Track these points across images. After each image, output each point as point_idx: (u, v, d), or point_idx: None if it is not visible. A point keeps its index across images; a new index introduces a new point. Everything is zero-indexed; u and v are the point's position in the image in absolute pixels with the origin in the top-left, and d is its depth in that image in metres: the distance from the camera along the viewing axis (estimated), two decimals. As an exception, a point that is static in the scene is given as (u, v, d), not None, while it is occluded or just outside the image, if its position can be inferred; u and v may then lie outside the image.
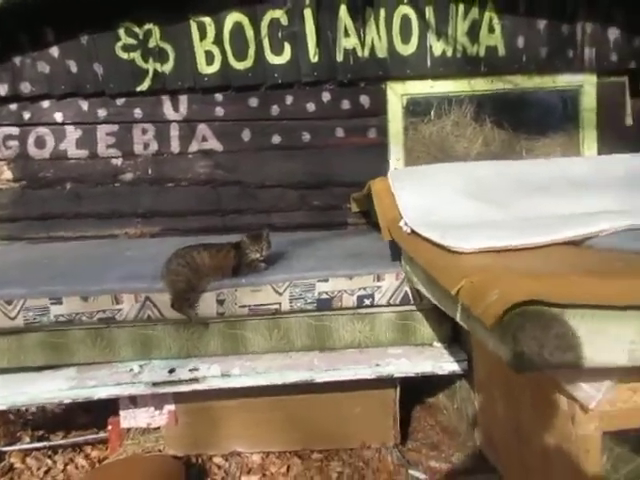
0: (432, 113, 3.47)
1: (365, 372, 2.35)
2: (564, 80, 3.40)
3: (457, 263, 1.51)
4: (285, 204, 3.41)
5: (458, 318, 1.50)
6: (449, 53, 3.32)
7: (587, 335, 1.16)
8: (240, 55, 3.22)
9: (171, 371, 2.29)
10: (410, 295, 2.40)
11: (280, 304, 2.36)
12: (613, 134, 3.41)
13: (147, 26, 3.12)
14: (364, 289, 2.40)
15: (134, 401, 2.37)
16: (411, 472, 2.38)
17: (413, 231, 1.96)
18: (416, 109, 3.46)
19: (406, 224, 2.04)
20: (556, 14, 3.30)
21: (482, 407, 2.26)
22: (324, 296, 2.38)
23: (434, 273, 1.61)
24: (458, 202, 1.99)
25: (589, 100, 3.44)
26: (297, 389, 2.40)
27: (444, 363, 2.39)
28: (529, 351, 1.16)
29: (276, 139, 3.37)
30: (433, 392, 2.86)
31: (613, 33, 3.37)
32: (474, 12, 3.30)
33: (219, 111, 3.31)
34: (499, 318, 1.14)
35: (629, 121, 3.49)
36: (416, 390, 2.74)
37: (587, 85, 3.41)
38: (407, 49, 3.30)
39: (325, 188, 3.40)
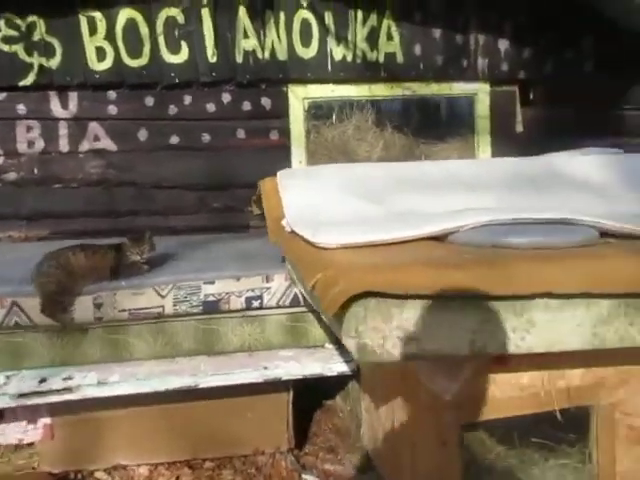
0: (334, 117, 3.50)
1: (252, 376, 2.29)
2: (460, 88, 3.52)
3: (320, 258, 1.49)
4: (183, 206, 3.31)
5: (322, 313, 1.48)
6: (349, 58, 3.35)
7: (429, 326, 1.17)
8: (134, 52, 3.11)
9: (42, 381, 2.13)
10: (300, 296, 2.37)
11: (163, 307, 2.27)
12: (505, 140, 3.57)
13: (30, 18, 2.95)
14: (252, 290, 2.36)
15: (1, 415, 2.19)
16: (304, 476, 2.35)
17: (292, 230, 1.94)
18: (318, 112, 3.48)
19: (288, 223, 2.02)
20: (449, 24, 3.43)
21: (367, 407, 2.26)
22: (210, 298, 2.31)
23: (301, 269, 1.58)
24: (338, 200, 1.99)
25: (483, 107, 3.59)
26: (186, 396, 2.31)
27: (333, 364, 2.38)
28: (372, 343, 1.15)
29: (174, 139, 3.27)
30: (332, 394, 2.86)
31: (503, 44, 3.53)
32: (373, 19, 3.36)
33: (112, 109, 3.17)
34: (339, 309, 1.12)
35: (519, 128, 3.67)
36: (317, 392, 2.72)
37: (481, 93, 3.55)
38: (307, 52, 3.31)
39: (226, 190, 3.34)
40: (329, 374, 2.37)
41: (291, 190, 2.16)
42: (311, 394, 2.65)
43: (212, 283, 2.31)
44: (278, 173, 2.42)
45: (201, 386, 2.25)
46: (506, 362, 1.48)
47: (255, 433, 2.44)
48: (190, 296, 2.29)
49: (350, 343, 1.19)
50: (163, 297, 2.27)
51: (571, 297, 1.22)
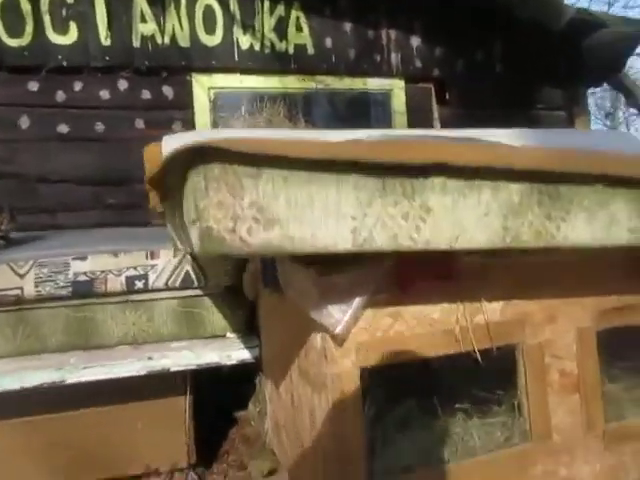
0: (243, 109, 3.28)
1: (134, 368, 1.91)
2: (375, 83, 3.42)
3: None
4: (74, 202, 2.94)
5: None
6: (257, 47, 3.19)
7: (296, 205, 0.91)
8: (14, 31, 2.80)
9: None
10: (193, 275, 2.05)
11: (22, 289, 1.88)
12: (423, 136, 3.46)
13: None
14: (134, 269, 2.01)
15: None
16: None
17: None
18: (225, 104, 3.25)
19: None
20: (360, 19, 3.35)
21: (271, 394, 1.93)
22: (82, 278, 1.94)
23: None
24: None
25: (399, 103, 3.49)
26: (62, 405, 1.90)
27: (233, 352, 2.03)
28: (218, 226, 0.87)
29: (63, 128, 2.93)
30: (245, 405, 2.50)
31: (415, 41, 3.49)
32: (280, 9, 3.23)
33: (-12, 93, 2.82)
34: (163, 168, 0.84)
35: (437, 125, 3.58)
36: (228, 405, 2.36)
37: (396, 89, 3.46)
38: (212, 40, 3.11)
39: (123, 185, 3.00)
40: (228, 362, 2.02)
41: (175, 141, 1.87)
42: (222, 407, 2.30)
43: (83, 259, 1.94)
44: (164, 137, 2.14)
45: (69, 381, 1.85)
46: (412, 290, 1.22)
47: (147, 447, 2.03)
48: (56, 275, 1.91)
49: (192, 231, 0.90)
50: (22, 276, 1.88)
51: (473, 177, 0.99)
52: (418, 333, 1.24)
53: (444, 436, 1.30)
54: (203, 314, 2.15)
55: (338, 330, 1.13)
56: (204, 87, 3.14)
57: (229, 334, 2.17)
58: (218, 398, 2.40)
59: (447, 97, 3.62)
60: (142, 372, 1.91)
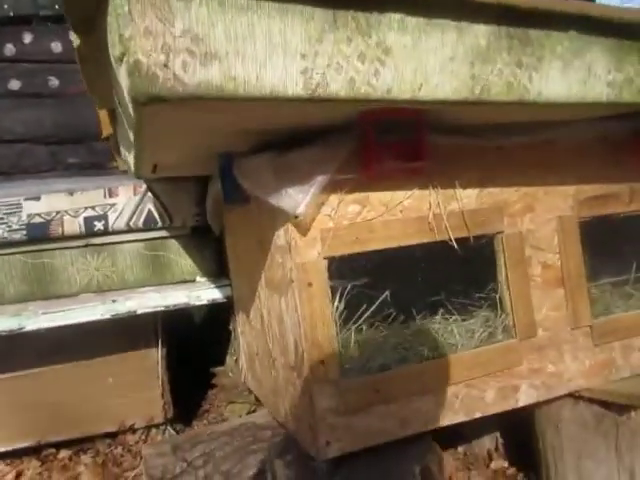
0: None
1: (97, 312, 1.79)
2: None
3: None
4: (31, 163, 2.80)
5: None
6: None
7: (236, 39, 0.79)
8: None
9: None
10: (156, 214, 1.93)
11: (-29, 232, 1.76)
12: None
13: None
14: (92, 208, 1.88)
15: None
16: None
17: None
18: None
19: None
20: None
21: (243, 329, 1.82)
22: (36, 220, 1.82)
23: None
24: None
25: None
26: (29, 362, 1.78)
27: (202, 292, 1.92)
28: (148, 60, 0.76)
29: (14, 84, 2.78)
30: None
31: None
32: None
33: None
34: None
35: None
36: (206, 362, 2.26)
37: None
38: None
39: (83, 143, 2.86)
40: (197, 303, 1.91)
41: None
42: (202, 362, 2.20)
43: (37, 199, 1.82)
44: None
45: (28, 328, 1.72)
46: (380, 173, 1.12)
47: (120, 404, 1.91)
48: (8, 217, 1.79)
49: (121, 72, 0.79)
50: (-31, 218, 1.76)
51: (434, 14, 0.89)
52: (388, 220, 1.14)
53: (422, 332, 1.21)
54: (171, 257, 2.03)
55: (299, 211, 1.02)
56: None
57: (199, 278, 2.06)
58: (197, 353, 2.30)
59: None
60: (106, 316, 1.79)
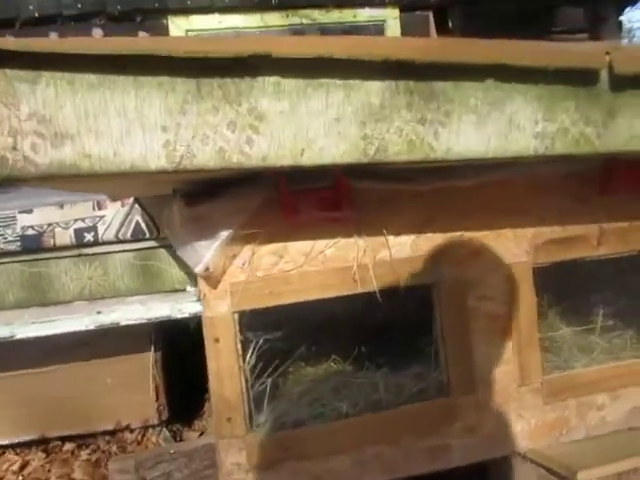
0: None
1: (82, 322, 1.87)
2: (366, 14, 3.15)
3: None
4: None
5: None
6: (234, -17, 2.99)
7: (87, 117, 0.76)
8: (-21, -17, 2.75)
9: None
10: (143, 226, 1.97)
11: (-28, 245, 1.86)
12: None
13: None
14: (82, 220, 1.94)
15: None
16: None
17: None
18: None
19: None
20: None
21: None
22: (30, 232, 1.90)
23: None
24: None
25: (394, 35, 3.21)
26: (31, 362, 1.90)
27: (186, 304, 1.95)
28: (-5, 142, 0.75)
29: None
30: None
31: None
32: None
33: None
34: None
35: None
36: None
37: (390, 19, 3.17)
38: (184, -23, 2.94)
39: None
40: (179, 316, 1.95)
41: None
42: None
43: (30, 212, 1.90)
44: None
45: (19, 336, 1.83)
46: (299, 221, 1.07)
47: (118, 404, 2.01)
48: (4, 229, 1.88)
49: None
50: (-31, 232, 1.86)
51: (316, 74, 0.81)
52: (307, 272, 1.09)
53: (342, 387, 1.16)
54: (161, 267, 2.07)
55: (198, 269, 1.00)
56: (181, 30, 3.00)
57: (189, 288, 2.09)
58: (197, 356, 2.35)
59: (450, 25, 3.29)
60: (90, 327, 1.87)
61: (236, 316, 1.06)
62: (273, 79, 0.81)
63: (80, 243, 1.95)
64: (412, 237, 1.14)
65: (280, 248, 1.08)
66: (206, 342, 1.05)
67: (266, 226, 1.07)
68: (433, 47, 0.85)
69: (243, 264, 1.07)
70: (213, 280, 1.05)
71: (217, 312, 1.05)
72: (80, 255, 1.99)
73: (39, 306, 2.00)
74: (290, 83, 0.82)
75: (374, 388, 1.14)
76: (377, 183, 1.11)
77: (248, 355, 1.08)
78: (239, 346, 1.07)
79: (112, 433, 2.04)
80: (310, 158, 0.85)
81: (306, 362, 1.18)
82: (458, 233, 1.17)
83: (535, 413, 1.20)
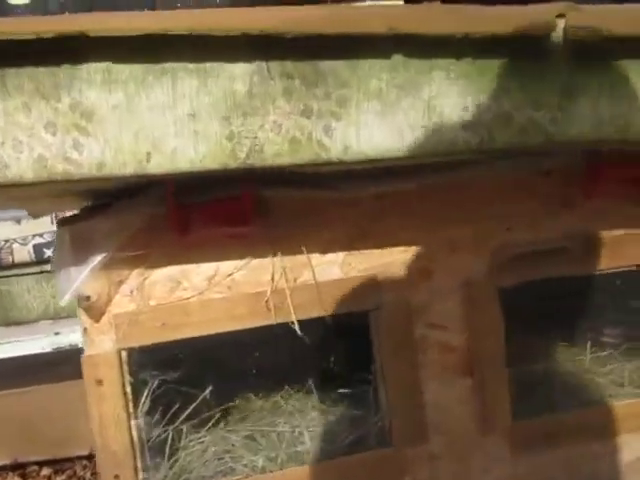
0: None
1: (40, 345, 1.75)
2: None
3: None
4: None
5: None
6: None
7: None
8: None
9: None
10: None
11: None
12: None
13: None
14: (41, 236, 1.83)
15: None
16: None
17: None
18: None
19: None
20: None
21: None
22: (-13, 249, 1.80)
23: None
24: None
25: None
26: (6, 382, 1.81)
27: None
28: None
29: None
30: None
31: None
32: None
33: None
34: None
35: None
36: None
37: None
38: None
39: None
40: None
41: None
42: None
43: (-15, 228, 1.80)
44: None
45: (-32, 363, 1.73)
46: (199, 240, 0.89)
47: (90, 428, 1.90)
48: (-39, 246, 1.79)
49: None
50: None
51: (161, 59, 0.63)
52: (210, 300, 0.90)
53: (259, 436, 0.97)
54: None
55: (65, 300, 0.83)
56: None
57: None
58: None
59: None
60: (47, 349, 1.75)
61: (124, 354, 0.89)
62: (102, 65, 0.63)
63: (40, 259, 1.84)
64: (342, 255, 0.94)
65: (177, 272, 0.90)
66: (86, 385, 0.88)
67: (158, 246, 0.89)
68: (316, 16, 0.65)
69: (131, 292, 0.89)
70: (96, 311, 0.88)
71: (100, 349, 0.88)
72: (42, 272, 1.88)
73: (3, 326, 1.90)
74: (124, 70, 0.64)
75: (298, 437, 0.95)
76: (295, 191, 0.91)
77: (142, 400, 0.90)
78: (128, 389, 0.89)
79: (89, 458, 1.92)
80: (160, 165, 0.66)
81: (215, 406, 0.99)
82: (400, 248, 0.96)
83: (503, 467, 0.97)
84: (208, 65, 0.65)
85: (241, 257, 0.92)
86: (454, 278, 0.97)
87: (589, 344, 1.08)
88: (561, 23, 0.69)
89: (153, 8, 2.75)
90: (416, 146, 0.70)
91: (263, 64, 0.66)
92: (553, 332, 1.09)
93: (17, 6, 2.70)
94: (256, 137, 0.67)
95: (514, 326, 0.99)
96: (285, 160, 0.69)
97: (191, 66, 0.65)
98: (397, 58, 0.68)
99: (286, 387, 1.04)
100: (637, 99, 0.73)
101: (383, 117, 0.69)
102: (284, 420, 1.00)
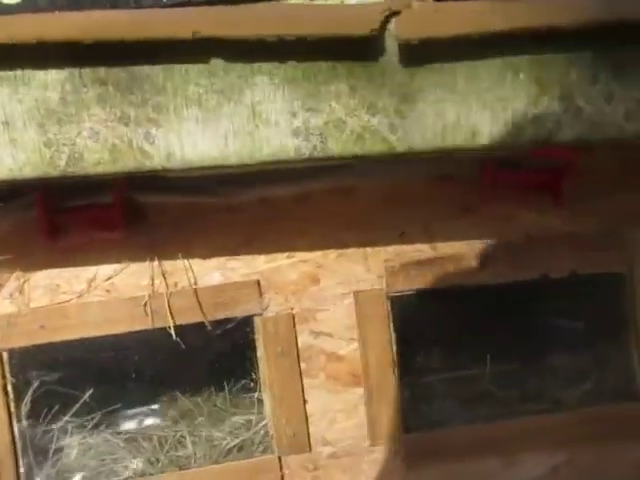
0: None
1: None
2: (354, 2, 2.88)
3: None
4: None
5: None
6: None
7: None
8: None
9: None
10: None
11: None
12: None
13: None
14: None
15: None
16: None
17: None
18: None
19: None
20: None
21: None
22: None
23: None
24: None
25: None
26: None
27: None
28: None
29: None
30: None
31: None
32: None
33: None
34: None
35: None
36: None
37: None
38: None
39: None
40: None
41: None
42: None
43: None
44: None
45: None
46: (72, 243, 0.89)
47: None
48: None
49: None
50: None
51: None
52: (88, 303, 0.91)
53: (138, 440, 0.97)
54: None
55: None
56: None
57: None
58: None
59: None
60: None
61: (5, 355, 0.91)
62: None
63: None
64: (223, 260, 0.93)
65: (57, 275, 0.91)
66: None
67: (34, 251, 0.90)
68: (119, 20, 0.63)
69: (11, 295, 0.91)
70: (-23, 314, 0.90)
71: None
72: None
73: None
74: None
75: (181, 441, 0.94)
76: (173, 197, 0.90)
77: (24, 400, 0.92)
78: (10, 390, 0.91)
79: None
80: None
81: (98, 408, 0.99)
82: (285, 254, 0.94)
83: (393, 479, 0.94)
84: (18, 73, 0.65)
85: (119, 261, 0.92)
86: (342, 285, 0.94)
87: (488, 358, 1.03)
88: (392, 23, 0.65)
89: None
90: (244, 154, 0.68)
91: (75, 71, 0.65)
92: (454, 344, 1.04)
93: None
94: (74, 144, 0.66)
95: (411, 336, 0.95)
96: (107, 168, 0.68)
97: (1, 74, 0.65)
98: (216, 63, 0.66)
99: (172, 392, 1.03)
100: (484, 102, 0.68)
101: (206, 124, 0.67)
102: (167, 424, 1.00)
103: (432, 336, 1.01)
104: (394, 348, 0.94)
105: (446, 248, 0.94)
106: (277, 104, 0.67)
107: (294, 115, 0.67)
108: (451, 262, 0.94)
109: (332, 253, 0.94)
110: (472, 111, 0.68)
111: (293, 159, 0.69)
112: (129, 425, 0.99)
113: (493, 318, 1.04)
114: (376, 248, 0.94)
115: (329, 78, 0.67)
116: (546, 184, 0.92)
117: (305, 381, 0.94)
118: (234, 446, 0.93)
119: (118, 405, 0.98)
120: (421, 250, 0.95)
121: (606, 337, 1.02)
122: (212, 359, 1.00)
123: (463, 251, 0.95)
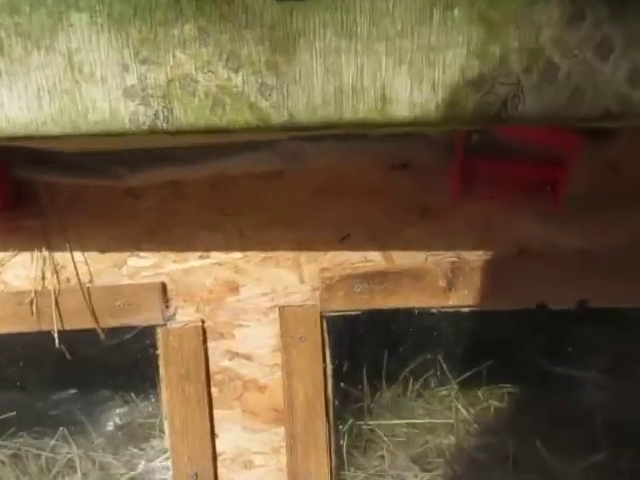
0: None
1: None
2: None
3: None
4: None
5: None
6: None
7: None
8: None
9: None
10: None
11: None
12: None
13: None
14: None
15: None
16: None
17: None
18: None
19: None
20: None
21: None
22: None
23: None
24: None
25: None
26: None
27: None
28: None
29: None
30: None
31: None
32: None
33: None
34: None
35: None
36: None
37: None
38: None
39: None
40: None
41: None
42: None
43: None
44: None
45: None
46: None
47: None
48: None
49: None
50: None
51: None
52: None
53: (26, 458, 0.82)
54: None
55: None
56: None
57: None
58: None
59: None
60: None
61: None
62: None
63: None
64: (125, 256, 0.76)
65: None
66: None
67: None
68: None
69: None
70: None
71: None
72: None
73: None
74: None
75: (69, 464, 0.79)
76: (62, 177, 0.74)
77: None
78: None
79: None
80: None
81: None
82: (198, 253, 0.75)
83: None
84: None
85: (7, 250, 0.78)
86: (266, 297, 0.75)
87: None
88: None
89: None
90: (63, 120, 0.50)
91: None
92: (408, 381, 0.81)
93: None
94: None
95: (353, 368, 0.74)
96: None
97: None
98: None
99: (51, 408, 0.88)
100: (399, 53, 0.45)
101: (12, 79, 0.49)
102: (49, 446, 0.85)
103: (381, 370, 0.79)
104: (330, 382, 0.74)
105: (404, 259, 0.72)
106: (101, 52, 0.48)
107: (125, 69, 0.48)
108: (409, 278, 0.71)
109: (255, 256, 0.74)
110: (381, 66, 0.46)
111: (129, 130, 0.50)
112: (19, 439, 0.86)
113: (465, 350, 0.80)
114: (311, 253, 0.73)
115: (171, 16, 0.47)
116: (542, 180, 0.66)
117: (216, 412, 0.76)
118: (130, 479, 0.77)
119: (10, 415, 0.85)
120: (371, 260, 0.72)
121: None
122: (106, 374, 0.84)
123: (427, 266, 0.71)
